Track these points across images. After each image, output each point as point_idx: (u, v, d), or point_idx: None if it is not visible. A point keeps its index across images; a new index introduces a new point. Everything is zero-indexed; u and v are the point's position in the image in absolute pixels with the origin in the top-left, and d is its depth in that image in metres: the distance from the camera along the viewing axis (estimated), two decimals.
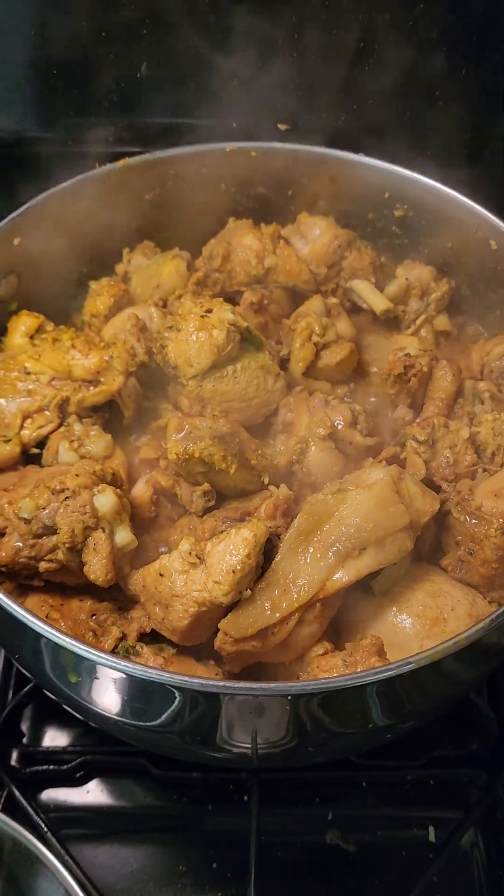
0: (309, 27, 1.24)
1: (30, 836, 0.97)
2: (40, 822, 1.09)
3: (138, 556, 1.02)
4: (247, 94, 1.27)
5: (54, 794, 1.17)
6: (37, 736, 1.21)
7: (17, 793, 1.10)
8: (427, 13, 1.24)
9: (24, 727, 1.21)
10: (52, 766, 1.16)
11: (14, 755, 1.17)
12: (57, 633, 0.78)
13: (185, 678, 0.75)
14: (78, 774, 1.17)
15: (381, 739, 1.02)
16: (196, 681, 0.75)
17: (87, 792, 1.17)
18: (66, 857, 1.07)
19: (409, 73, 1.26)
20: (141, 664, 0.79)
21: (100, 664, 0.78)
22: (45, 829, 1.08)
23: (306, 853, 1.13)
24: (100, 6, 1.23)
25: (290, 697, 0.76)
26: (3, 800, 1.11)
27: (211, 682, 0.78)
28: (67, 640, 0.78)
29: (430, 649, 0.78)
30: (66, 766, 1.16)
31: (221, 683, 0.81)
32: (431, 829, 1.14)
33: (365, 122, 1.28)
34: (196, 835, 1.15)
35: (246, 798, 1.13)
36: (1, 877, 0.98)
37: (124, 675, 0.78)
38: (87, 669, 0.83)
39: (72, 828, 1.14)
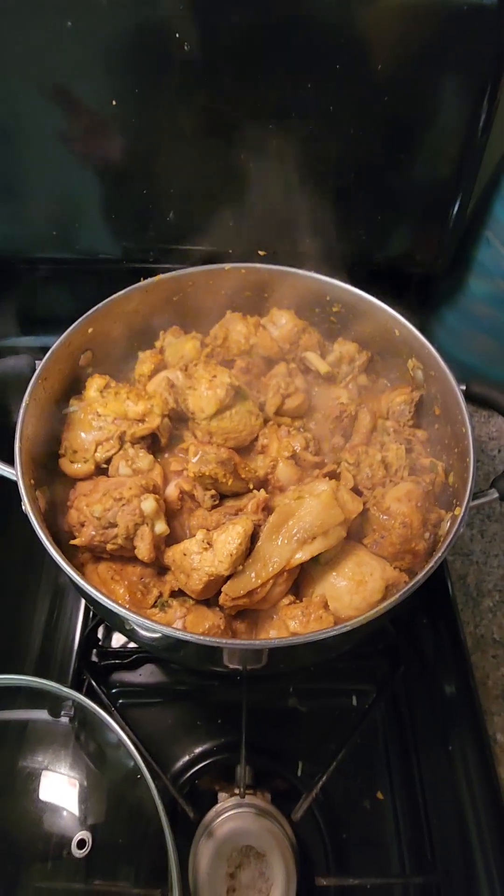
0: (276, 199, 1.13)
1: (98, 710, 0.89)
2: (106, 699, 1.00)
3: (170, 535, 0.92)
4: (238, 233, 1.15)
5: (119, 677, 1.08)
6: (107, 640, 1.12)
7: (93, 682, 1.01)
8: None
9: (100, 635, 1.12)
10: (117, 660, 1.08)
11: (94, 653, 1.09)
12: (116, 606, 0.69)
13: (198, 637, 0.66)
14: (134, 664, 1.09)
15: (329, 657, 0.95)
16: (204, 638, 0.66)
17: (140, 675, 1.09)
18: (122, 721, 0.98)
19: (342, 223, 1.16)
20: (171, 628, 0.70)
21: (144, 627, 0.68)
22: (110, 703, 1.00)
23: (276, 712, 1.06)
24: (142, 184, 1.11)
25: (266, 650, 0.68)
26: (84, 686, 1.03)
27: (211, 640, 0.68)
28: (124, 610, 0.69)
29: (358, 617, 0.69)
30: (127, 660, 1.08)
31: (219, 641, 0.71)
32: (354, 697, 1.07)
33: (314, 250, 1.16)
34: (208, 702, 1.07)
35: (239, 678, 1.05)
36: (80, 734, 0.91)
37: (159, 634, 0.69)
38: (136, 624, 0.74)
39: (130, 698, 1.07)
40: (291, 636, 0.77)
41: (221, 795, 0.96)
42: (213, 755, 1.02)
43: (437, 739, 1.01)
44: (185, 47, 0.93)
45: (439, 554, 0.76)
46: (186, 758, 1.02)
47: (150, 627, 0.67)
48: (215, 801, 0.95)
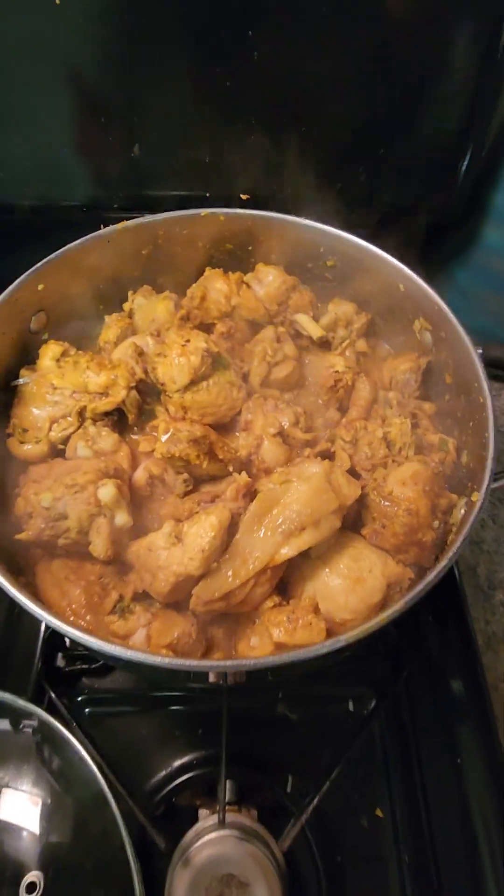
0: (261, 131, 0.98)
1: (60, 726, 0.80)
2: (68, 712, 0.90)
3: (138, 526, 0.80)
4: (217, 172, 1.00)
5: (88, 683, 0.97)
6: (74, 643, 1.01)
7: (52, 694, 0.90)
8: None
9: (66, 639, 1.01)
10: (85, 665, 0.97)
11: (59, 657, 0.98)
12: (57, 621, 0.57)
13: (155, 659, 0.54)
14: (104, 669, 0.98)
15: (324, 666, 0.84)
16: (162, 660, 0.54)
17: (111, 681, 0.98)
18: (89, 737, 0.88)
19: (339, 162, 1.01)
20: (120, 647, 0.57)
21: (90, 646, 0.56)
22: (72, 718, 0.89)
23: (263, 721, 0.95)
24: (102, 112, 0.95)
25: (245, 672, 0.56)
26: (47, 696, 0.92)
27: (171, 662, 0.56)
28: (66, 627, 0.57)
29: (356, 630, 0.57)
30: (95, 665, 0.97)
31: (181, 662, 0.58)
32: (350, 703, 0.97)
33: (305, 193, 1.01)
34: (187, 710, 0.96)
35: (221, 682, 0.95)
36: (43, 749, 0.82)
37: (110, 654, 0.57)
38: (82, 643, 0.61)
39: (100, 706, 0.96)
40: (275, 648, 0.65)
41: (202, 812, 0.87)
42: (192, 769, 0.92)
43: (443, 750, 0.91)
44: None
45: (455, 548, 0.64)
46: (163, 772, 0.92)
47: (95, 647, 0.55)
48: (196, 819, 0.85)
